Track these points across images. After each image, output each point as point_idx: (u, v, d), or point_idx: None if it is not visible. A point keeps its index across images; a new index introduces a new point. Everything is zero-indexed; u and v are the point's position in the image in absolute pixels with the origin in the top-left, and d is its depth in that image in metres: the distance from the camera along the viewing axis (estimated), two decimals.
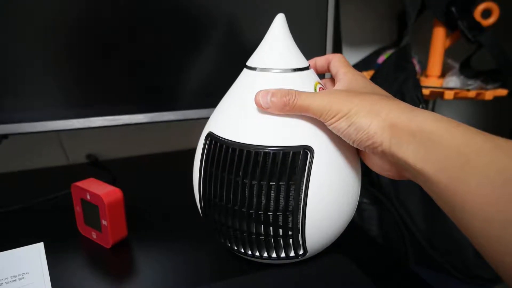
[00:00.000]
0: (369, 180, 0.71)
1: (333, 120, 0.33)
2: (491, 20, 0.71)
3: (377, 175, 0.69)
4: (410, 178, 0.33)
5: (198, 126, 0.57)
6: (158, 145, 0.80)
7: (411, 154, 0.29)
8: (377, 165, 0.36)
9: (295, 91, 0.35)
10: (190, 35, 0.54)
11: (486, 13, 0.71)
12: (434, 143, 0.28)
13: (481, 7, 0.71)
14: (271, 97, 0.35)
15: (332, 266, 0.43)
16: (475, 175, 0.25)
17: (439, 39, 0.77)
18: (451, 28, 0.75)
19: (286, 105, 0.35)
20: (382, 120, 0.31)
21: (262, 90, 0.36)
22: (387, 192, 0.68)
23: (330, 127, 0.35)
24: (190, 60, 0.55)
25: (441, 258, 0.65)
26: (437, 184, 0.27)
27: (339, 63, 0.40)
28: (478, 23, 0.71)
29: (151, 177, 0.69)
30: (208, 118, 0.43)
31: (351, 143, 0.34)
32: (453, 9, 0.71)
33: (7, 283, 0.33)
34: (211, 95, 0.55)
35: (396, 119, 0.30)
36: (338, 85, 0.39)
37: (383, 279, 0.42)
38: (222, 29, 0.56)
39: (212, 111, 0.42)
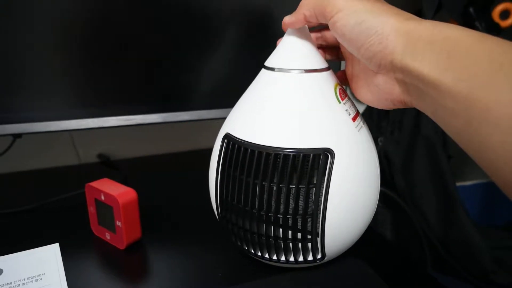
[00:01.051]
0: (384, 183, 0.70)
1: (340, 14, 0.30)
2: (510, 21, 0.70)
3: (392, 178, 0.69)
4: (410, 102, 0.30)
5: (210, 126, 0.57)
6: (169, 145, 0.79)
7: (428, 63, 0.26)
8: (376, 90, 0.33)
9: None
10: (205, 35, 0.54)
11: (505, 14, 0.70)
12: (460, 51, 0.25)
13: (499, 7, 0.69)
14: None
15: (349, 271, 0.43)
16: (508, 81, 0.23)
17: None
18: None
19: (299, 7, 0.34)
20: (399, 22, 0.28)
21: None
22: (402, 196, 0.67)
23: (334, 26, 0.31)
24: (205, 60, 0.55)
25: (457, 263, 0.64)
26: (455, 95, 0.25)
27: None
28: (497, 24, 0.69)
29: (163, 177, 0.69)
30: (222, 118, 0.42)
31: (356, 51, 0.31)
32: (471, 9, 0.70)
33: (23, 284, 0.32)
34: (226, 96, 0.55)
35: (416, 25, 0.28)
36: None
37: (401, 284, 0.41)
38: (239, 28, 0.55)
39: (227, 111, 0.42)
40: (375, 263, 0.44)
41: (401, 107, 0.33)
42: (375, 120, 0.70)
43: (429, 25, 0.28)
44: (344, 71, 0.41)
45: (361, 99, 0.36)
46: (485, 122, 0.23)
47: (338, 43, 0.38)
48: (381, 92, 0.32)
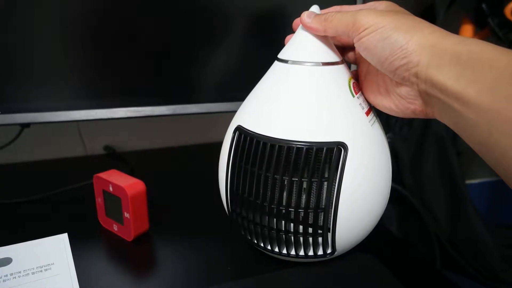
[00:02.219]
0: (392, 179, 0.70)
1: (364, 32, 0.31)
2: None
3: (400, 175, 0.68)
4: (432, 113, 0.31)
5: (219, 120, 0.56)
6: (177, 139, 0.79)
7: (452, 76, 0.27)
8: (398, 98, 0.33)
9: (336, 11, 0.34)
10: (215, 26, 0.53)
11: None
12: (484, 65, 0.26)
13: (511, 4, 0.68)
14: (313, 16, 0.35)
15: (359, 266, 0.42)
16: None
17: (467, 36, 0.75)
18: (480, 25, 0.73)
19: (325, 21, 0.34)
20: (423, 37, 0.29)
21: (305, 12, 0.36)
22: (410, 192, 0.67)
23: (359, 43, 0.32)
24: (215, 52, 0.54)
25: (465, 261, 0.63)
26: (478, 107, 0.26)
27: (354, 7, 0.38)
28: (509, 21, 0.68)
29: (170, 170, 0.69)
30: (232, 111, 0.42)
31: (379, 64, 0.32)
32: (484, 5, 0.69)
33: (33, 273, 0.32)
34: (236, 89, 0.54)
35: (440, 39, 0.29)
36: None
37: (410, 281, 0.41)
38: (249, 20, 0.54)
39: (237, 104, 0.41)
40: (384, 259, 0.43)
41: (421, 117, 0.33)
42: (384, 116, 0.69)
43: (454, 39, 0.29)
44: (356, 71, 0.41)
45: (377, 106, 0.37)
46: (506, 134, 0.24)
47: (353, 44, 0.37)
48: (402, 101, 0.33)
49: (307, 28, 0.36)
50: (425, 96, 0.31)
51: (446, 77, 0.27)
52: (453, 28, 0.79)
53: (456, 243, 0.65)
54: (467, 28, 0.74)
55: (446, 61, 0.28)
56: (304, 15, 0.36)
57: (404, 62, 0.30)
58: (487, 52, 0.27)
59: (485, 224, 0.64)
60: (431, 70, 0.28)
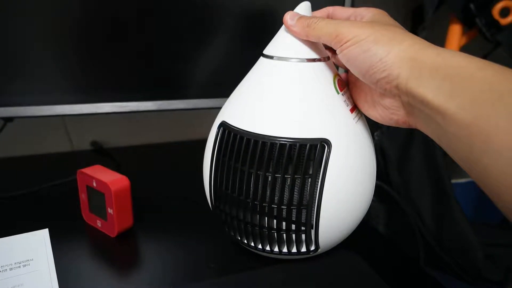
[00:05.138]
0: (379, 178, 0.70)
1: (346, 44, 0.31)
2: (510, 18, 0.69)
3: (387, 173, 0.68)
4: (415, 124, 0.31)
5: (205, 116, 0.56)
6: (164, 135, 0.78)
7: (432, 89, 0.27)
8: (381, 108, 0.33)
9: (320, 18, 0.34)
10: (202, 22, 0.53)
11: (505, 11, 0.69)
12: (463, 79, 0.26)
13: (499, 5, 0.69)
14: (296, 17, 0.35)
15: (342, 263, 0.42)
16: (508, 112, 0.23)
17: (455, 36, 0.75)
18: (468, 25, 0.73)
19: (308, 27, 0.34)
20: (403, 50, 0.29)
21: (289, 12, 0.36)
22: (397, 190, 0.67)
23: (341, 54, 0.32)
24: (201, 47, 0.54)
25: (450, 259, 0.64)
26: (458, 122, 0.25)
27: (346, 9, 0.38)
28: (497, 21, 0.69)
29: (156, 166, 0.68)
30: (218, 108, 0.41)
31: (361, 76, 0.32)
32: (472, 6, 0.69)
33: (11, 269, 0.32)
34: (222, 84, 0.54)
35: (419, 52, 0.28)
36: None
37: (394, 278, 0.41)
38: (236, 17, 0.54)
39: (223, 101, 0.41)
40: (368, 256, 0.43)
41: (404, 127, 0.33)
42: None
43: (433, 51, 0.28)
44: (347, 75, 0.41)
45: (364, 112, 0.37)
46: (486, 151, 0.24)
47: None
48: (386, 112, 0.33)
49: (290, 31, 0.36)
50: (408, 107, 0.30)
51: (426, 90, 0.27)
52: (442, 27, 0.79)
53: (441, 241, 0.65)
54: (455, 28, 0.75)
55: (426, 74, 0.27)
56: (287, 16, 0.35)
57: (384, 75, 0.30)
58: (466, 65, 0.26)
59: (470, 222, 0.65)
60: (411, 83, 0.28)
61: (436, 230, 0.65)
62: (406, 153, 0.67)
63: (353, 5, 0.60)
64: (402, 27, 0.33)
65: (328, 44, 0.33)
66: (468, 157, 0.26)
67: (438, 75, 0.27)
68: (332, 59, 0.41)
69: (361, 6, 0.37)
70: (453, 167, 0.95)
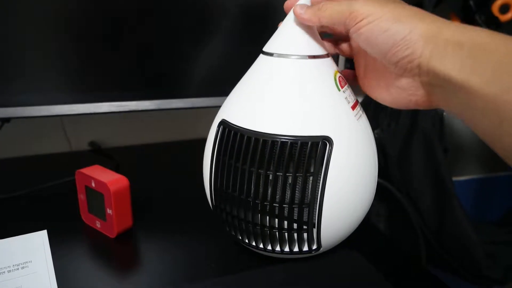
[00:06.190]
0: (379, 175, 0.70)
1: (362, 22, 0.30)
2: (509, 15, 0.69)
3: (388, 171, 0.68)
4: (437, 102, 0.31)
5: (204, 115, 0.55)
6: (162, 134, 0.78)
7: (456, 66, 0.27)
8: (397, 91, 0.33)
9: (328, 1, 0.33)
10: (200, 20, 0.52)
11: (504, 8, 0.69)
12: (487, 53, 0.26)
13: (499, 1, 0.69)
14: (307, 7, 0.34)
15: (344, 262, 0.42)
16: None
17: None
18: (467, 22, 0.73)
19: (318, 11, 0.32)
20: (426, 27, 0.28)
21: (298, 3, 0.35)
22: (397, 188, 0.67)
23: (356, 34, 0.31)
24: (200, 46, 0.54)
25: (450, 257, 0.64)
26: (483, 97, 0.25)
27: None
28: (496, 18, 0.69)
29: (156, 166, 0.67)
30: (217, 106, 0.41)
31: (381, 56, 0.30)
32: (471, 2, 0.69)
33: (9, 271, 0.31)
34: (221, 83, 0.53)
35: (441, 29, 0.28)
36: None
37: (395, 276, 0.41)
38: (235, 13, 0.54)
39: (222, 99, 0.41)
40: (369, 255, 0.43)
41: (425, 108, 0.33)
42: (372, 111, 0.69)
43: (455, 27, 0.28)
44: (350, 70, 0.40)
45: (377, 99, 0.36)
46: None
47: (348, 36, 0.36)
48: (403, 93, 0.32)
49: (301, 20, 0.35)
50: (428, 87, 0.30)
51: (449, 67, 0.27)
52: None
53: (441, 239, 0.65)
54: None
55: (449, 50, 0.27)
56: (297, 7, 0.35)
57: (407, 53, 0.29)
58: (489, 41, 0.26)
59: (470, 220, 0.64)
60: (434, 61, 0.28)
61: (437, 228, 0.65)
62: (407, 151, 0.67)
63: None
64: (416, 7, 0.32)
65: (342, 24, 0.32)
66: (495, 131, 0.26)
67: (461, 51, 0.26)
68: (336, 50, 0.40)
69: None
70: (454, 165, 0.95)
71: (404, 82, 0.32)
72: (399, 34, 0.29)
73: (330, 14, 0.32)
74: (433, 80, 0.29)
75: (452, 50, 0.27)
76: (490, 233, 0.71)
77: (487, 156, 0.93)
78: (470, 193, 0.93)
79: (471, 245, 0.63)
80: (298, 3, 0.35)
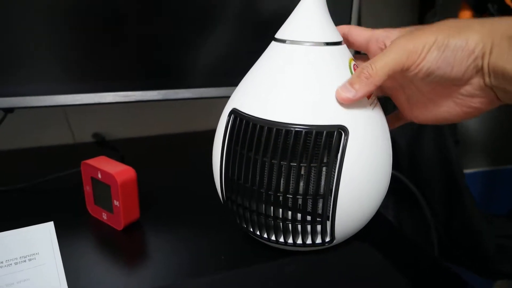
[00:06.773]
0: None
1: (422, 55, 0.30)
2: None
3: (397, 161, 0.67)
4: (506, 99, 0.31)
5: (212, 106, 0.54)
6: (168, 126, 0.77)
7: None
8: (460, 101, 0.33)
9: (366, 62, 0.32)
10: (208, 8, 0.51)
11: None
12: None
13: None
14: (351, 86, 0.32)
15: (357, 255, 0.41)
16: None
17: None
18: (479, 11, 0.71)
19: (369, 78, 0.31)
20: (477, 31, 0.29)
21: (337, 89, 0.33)
22: (406, 179, 0.66)
23: (419, 67, 0.31)
24: (207, 34, 0.52)
25: (461, 250, 0.63)
26: None
27: (363, 30, 0.37)
28: (509, 7, 0.67)
29: (161, 158, 0.67)
30: (225, 97, 0.40)
31: (447, 74, 0.31)
32: None
33: (16, 264, 0.30)
34: (229, 73, 0.52)
35: (492, 26, 0.29)
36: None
37: (407, 269, 0.40)
38: (243, 2, 0.52)
39: (230, 89, 0.40)
40: (382, 247, 0.42)
41: (488, 109, 0.33)
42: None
43: (505, 23, 0.29)
44: (393, 113, 0.41)
45: (436, 121, 0.36)
46: None
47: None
48: (466, 101, 0.33)
49: (356, 100, 0.32)
50: (492, 86, 0.30)
51: (509, 62, 0.28)
52: (452, 13, 0.78)
53: (452, 232, 0.64)
54: (466, 14, 0.73)
55: (505, 46, 0.28)
56: (342, 94, 0.32)
57: (471, 60, 0.29)
58: None
59: (481, 213, 0.63)
60: (495, 58, 0.28)
61: (447, 220, 0.64)
62: (417, 141, 0.66)
63: (360, 2, 0.58)
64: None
65: (399, 72, 0.31)
66: None
67: None
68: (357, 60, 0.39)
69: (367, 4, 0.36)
70: (463, 157, 0.94)
71: (469, 88, 0.32)
72: (458, 47, 0.29)
73: (384, 73, 0.31)
74: (494, 81, 0.30)
75: (508, 45, 0.28)
76: (499, 226, 0.70)
77: (495, 148, 0.92)
78: (478, 186, 0.92)
79: (482, 238, 0.63)
80: (340, 85, 0.33)
